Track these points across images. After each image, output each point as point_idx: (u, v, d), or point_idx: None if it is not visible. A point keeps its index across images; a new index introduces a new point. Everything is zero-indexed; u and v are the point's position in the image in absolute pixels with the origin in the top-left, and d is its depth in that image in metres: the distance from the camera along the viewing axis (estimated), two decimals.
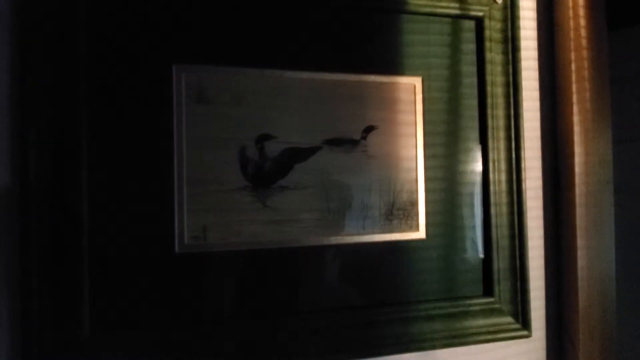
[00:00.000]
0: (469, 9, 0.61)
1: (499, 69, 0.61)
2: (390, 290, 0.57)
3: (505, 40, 0.62)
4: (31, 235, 0.45)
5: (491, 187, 0.61)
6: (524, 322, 0.61)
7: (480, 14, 0.61)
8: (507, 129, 0.62)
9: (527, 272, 0.61)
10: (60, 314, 0.46)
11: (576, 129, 0.62)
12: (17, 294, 0.46)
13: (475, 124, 0.61)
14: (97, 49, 0.49)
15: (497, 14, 0.62)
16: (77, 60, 0.48)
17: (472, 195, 0.61)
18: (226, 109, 0.52)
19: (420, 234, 0.59)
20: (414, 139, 0.59)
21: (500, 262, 0.61)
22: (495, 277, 0.60)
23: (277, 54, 0.55)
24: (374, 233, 0.57)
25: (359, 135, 0.57)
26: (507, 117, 0.62)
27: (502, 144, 0.61)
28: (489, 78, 0.61)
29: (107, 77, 0.49)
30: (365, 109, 0.57)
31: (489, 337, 0.59)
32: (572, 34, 0.63)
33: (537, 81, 0.65)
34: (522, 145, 0.61)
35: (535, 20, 0.66)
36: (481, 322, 0.59)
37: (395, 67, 0.59)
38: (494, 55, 0.61)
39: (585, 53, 0.63)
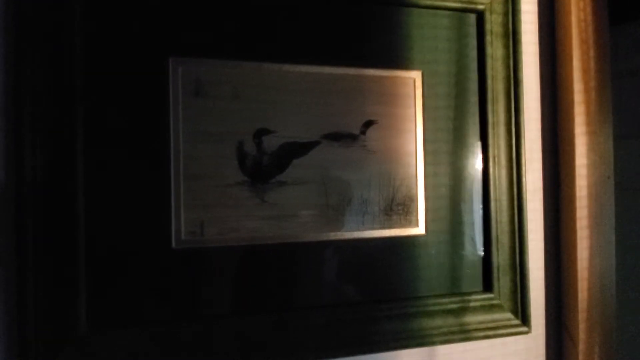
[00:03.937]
0: (470, 2, 0.60)
1: (499, 62, 0.61)
2: (390, 286, 0.57)
3: (506, 34, 0.61)
4: (27, 232, 0.45)
5: (491, 183, 0.60)
6: (524, 318, 0.61)
7: (481, 7, 0.60)
8: (508, 124, 0.61)
9: (526, 268, 0.61)
10: (57, 311, 0.46)
11: (577, 123, 0.62)
12: (13, 291, 0.45)
13: (475, 119, 0.61)
14: (93, 42, 0.48)
15: (498, 7, 0.61)
16: (72, 54, 0.47)
17: (472, 190, 0.61)
18: (224, 103, 0.52)
19: (420, 229, 0.58)
20: (414, 134, 0.58)
21: (500, 258, 0.60)
22: (495, 273, 0.60)
23: (275, 47, 0.54)
24: (373, 229, 0.56)
25: (358, 130, 0.56)
26: (508, 111, 0.61)
27: (502, 139, 0.61)
28: (489, 72, 0.60)
29: (103, 70, 0.48)
30: (364, 103, 0.56)
31: (489, 333, 0.59)
32: (574, 28, 0.62)
33: (538, 75, 0.65)
34: (522, 140, 0.61)
35: (537, 13, 0.65)
36: (480, 318, 0.59)
37: (395, 61, 0.58)
38: (495, 49, 0.61)
39: (587, 47, 0.62)
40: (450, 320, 0.58)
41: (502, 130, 0.61)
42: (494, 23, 0.61)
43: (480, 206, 0.61)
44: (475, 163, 0.61)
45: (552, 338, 0.64)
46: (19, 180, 0.45)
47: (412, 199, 0.58)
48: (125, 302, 0.48)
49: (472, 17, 0.61)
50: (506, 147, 0.61)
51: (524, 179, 0.61)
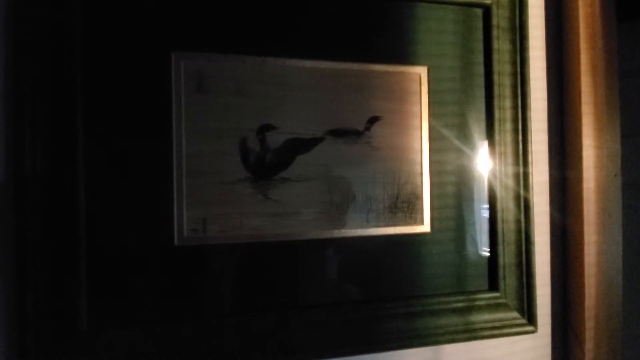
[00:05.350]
0: None
1: (506, 57, 0.60)
2: (394, 285, 0.56)
3: (513, 29, 0.60)
4: (27, 230, 0.44)
5: (497, 181, 0.59)
6: (530, 317, 0.60)
7: (488, 1, 0.59)
8: (514, 121, 0.60)
9: (533, 267, 0.60)
10: (58, 309, 0.45)
11: (584, 120, 0.61)
12: (14, 289, 0.45)
13: (481, 115, 0.60)
14: (94, 37, 0.47)
15: (505, 2, 0.60)
16: (72, 50, 0.46)
17: (477, 188, 0.60)
18: (226, 99, 0.51)
19: (425, 227, 0.58)
20: (419, 131, 0.58)
21: (506, 257, 0.59)
22: (501, 271, 0.59)
23: (279, 42, 0.53)
24: (377, 226, 0.56)
25: (362, 126, 0.55)
26: (514, 108, 0.60)
27: (508, 137, 0.60)
28: (496, 67, 0.59)
29: (104, 65, 0.48)
30: (369, 99, 0.56)
31: (494, 332, 0.58)
32: (581, 23, 0.61)
33: (545, 71, 0.64)
34: (529, 137, 0.60)
35: (544, 8, 0.64)
36: (486, 317, 0.58)
37: (400, 56, 0.57)
38: (502, 44, 0.60)
39: (594, 43, 0.61)
40: (456, 319, 0.57)
41: (508, 126, 0.60)
42: (501, 18, 0.60)
43: (486, 204, 0.60)
44: (481, 160, 0.60)
45: (558, 337, 0.64)
46: (19, 179, 0.44)
47: (417, 197, 0.57)
48: (126, 300, 0.48)
49: (479, 12, 0.60)
50: (512, 144, 0.60)
51: (530, 177, 0.60)
